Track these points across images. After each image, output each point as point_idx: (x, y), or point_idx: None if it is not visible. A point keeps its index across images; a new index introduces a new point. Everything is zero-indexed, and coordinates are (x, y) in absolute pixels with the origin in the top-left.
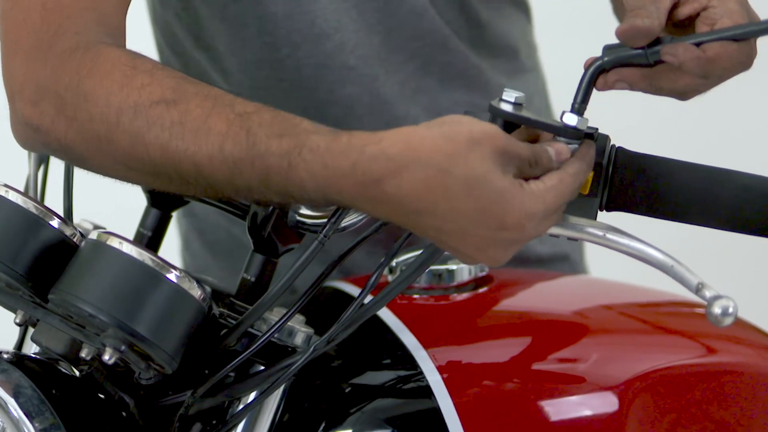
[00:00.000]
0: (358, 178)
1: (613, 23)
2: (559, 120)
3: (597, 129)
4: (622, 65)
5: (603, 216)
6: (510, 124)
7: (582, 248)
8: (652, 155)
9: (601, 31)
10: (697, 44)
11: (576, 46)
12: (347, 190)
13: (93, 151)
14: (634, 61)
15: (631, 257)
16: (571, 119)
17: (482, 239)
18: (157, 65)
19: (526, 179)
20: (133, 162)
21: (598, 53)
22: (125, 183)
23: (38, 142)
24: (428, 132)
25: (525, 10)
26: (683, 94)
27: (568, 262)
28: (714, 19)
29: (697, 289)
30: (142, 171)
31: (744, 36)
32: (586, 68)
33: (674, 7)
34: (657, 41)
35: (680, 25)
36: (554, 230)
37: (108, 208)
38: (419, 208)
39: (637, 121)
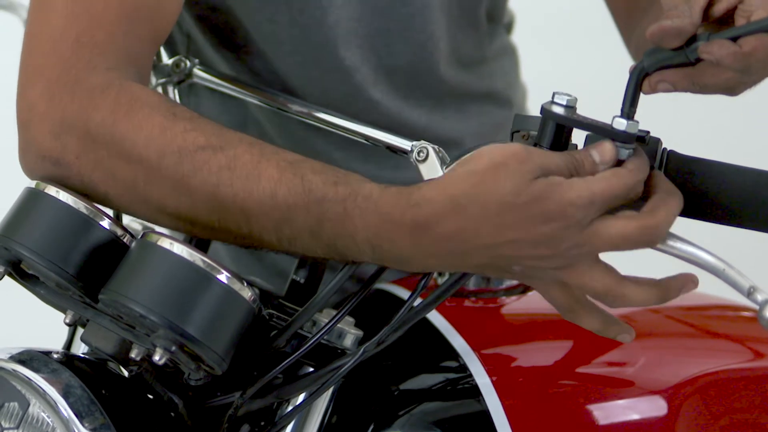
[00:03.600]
0: (407, 226)
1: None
2: (610, 124)
3: (648, 132)
4: (663, 67)
5: None
6: (560, 130)
7: None
8: (704, 158)
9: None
10: (734, 39)
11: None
12: (399, 238)
13: (122, 192)
14: (675, 61)
15: (682, 260)
16: (620, 124)
17: (536, 239)
18: (195, 113)
19: None
20: (170, 207)
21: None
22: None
23: (54, 175)
24: (456, 173)
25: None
26: (730, 90)
27: None
28: (750, 12)
29: (749, 293)
30: (177, 217)
31: None
32: (630, 73)
33: (711, 5)
34: (695, 39)
35: (721, 22)
36: None
37: None
38: (467, 239)
39: (688, 125)
